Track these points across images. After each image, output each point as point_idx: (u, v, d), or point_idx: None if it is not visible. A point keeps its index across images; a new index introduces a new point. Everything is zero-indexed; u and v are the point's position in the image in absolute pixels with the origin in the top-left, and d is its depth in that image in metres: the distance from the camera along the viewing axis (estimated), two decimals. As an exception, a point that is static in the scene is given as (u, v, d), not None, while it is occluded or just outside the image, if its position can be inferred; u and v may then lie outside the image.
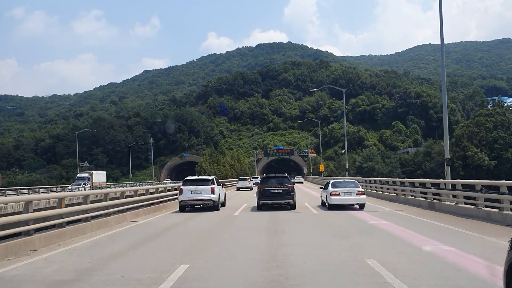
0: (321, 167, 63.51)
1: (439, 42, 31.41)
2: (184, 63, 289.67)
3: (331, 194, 19.00)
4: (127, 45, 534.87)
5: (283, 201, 19.52)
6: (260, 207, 19.93)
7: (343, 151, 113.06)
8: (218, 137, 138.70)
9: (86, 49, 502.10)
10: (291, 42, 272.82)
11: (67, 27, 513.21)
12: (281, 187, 19.49)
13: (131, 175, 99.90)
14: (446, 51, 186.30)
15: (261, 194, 19.68)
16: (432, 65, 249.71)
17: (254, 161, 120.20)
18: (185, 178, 20.93)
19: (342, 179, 24.79)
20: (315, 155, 67.15)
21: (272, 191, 19.44)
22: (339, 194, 18.93)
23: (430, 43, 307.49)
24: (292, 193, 19.42)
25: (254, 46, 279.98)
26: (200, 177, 21.79)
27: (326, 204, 19.87)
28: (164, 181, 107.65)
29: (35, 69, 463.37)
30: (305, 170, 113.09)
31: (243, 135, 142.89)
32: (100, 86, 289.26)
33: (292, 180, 22.00)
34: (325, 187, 20.76)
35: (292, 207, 19.54)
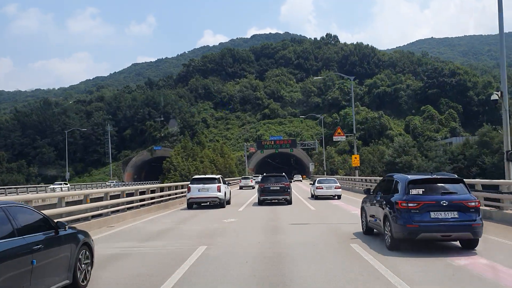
0: (355, 161, 34.84)
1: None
2: (175, 55, 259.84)
3: (316, 188, 25.73)
4: (122, 44, 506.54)
5: (280, 197, 21.99)
6: (261, 202, 22.21)
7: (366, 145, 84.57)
8: (200, 126, 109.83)
9: (82, 48, 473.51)
10: (288, 32, 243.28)
11: (62, 25, 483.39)
12: (279, 184, 21.89)
13: (67, 174, 70.91)
14: (450, 44, 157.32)
15: (262, 191, 22.13)
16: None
17: (244, 156, 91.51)
18: (193, 177, 22.61)
19: (325, 177, 33.02)
20: (343, 137, 38.51)
21: (271, 188, 21.91)
22: (322, 188, 25.51)
23: (432, 37, 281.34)
24: (288, 190, 21.92)
25: (249, 37, 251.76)
26: (207, 176, 22.80)
27: (313, 195, 26.44)
28: (125, 183, 79.70)
29: (30, 67, 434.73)
30: (311, 168, 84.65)
31: (231, 124, 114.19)
32: (87, 80, 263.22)
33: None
34: (313, 183, 27.45)
35: (289, 202, 21.84)
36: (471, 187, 11.26)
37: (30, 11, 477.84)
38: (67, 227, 6.12)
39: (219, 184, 20.84)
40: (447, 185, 8.65)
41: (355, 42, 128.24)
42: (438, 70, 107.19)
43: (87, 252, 6.48)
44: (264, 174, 26.85)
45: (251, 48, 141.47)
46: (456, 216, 8.13)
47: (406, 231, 8.16)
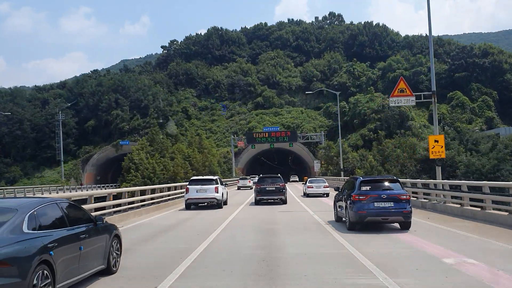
0: (437, 148, 16.59)
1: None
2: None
3: (307, 187, 29.51)
4: (115, 43, 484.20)
5: (276, 197, 23.18)
6: (257, 202, 23.28)
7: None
8: (179, 117, 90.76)
9: (76, 47, 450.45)
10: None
11: (56, 24, 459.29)
12: (274, 185, 22.99)
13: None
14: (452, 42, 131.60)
15: (258, 192, 23.18)
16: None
17: (231, 152, 72.75)
18: (191, 178, 23.07)
19: (315, 178, 36.66)
20: (411, 99, 19.78)
21: (267, 188, 22.96)
22: (312, 187, 29.14)
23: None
24: (283, 190, 23.05)
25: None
26: (205, 177, 23.70)
27: (305, 194, 30.09)
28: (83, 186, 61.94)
29: (24, 67, 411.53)
30: (316, 167, 66.14)
31: (217, 115, 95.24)
32: (74, 76, 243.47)
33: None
34: (305, 183, 31.48)
35: (284, 202, 23.07)
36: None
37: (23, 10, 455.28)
38: (104, 220, 7.54)
39: (216, 185, 21.45)
40: (387, 184, 12.60)
41: (363, 22, 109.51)
42: (466, 50, 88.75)
43: (117, 243, 7.72)
44: (261, 175, 27.03)
45: (243, 30, 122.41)
46: (392, 205, 11.91)
47: (358, 216, 11.95)
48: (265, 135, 68.59)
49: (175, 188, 26.60)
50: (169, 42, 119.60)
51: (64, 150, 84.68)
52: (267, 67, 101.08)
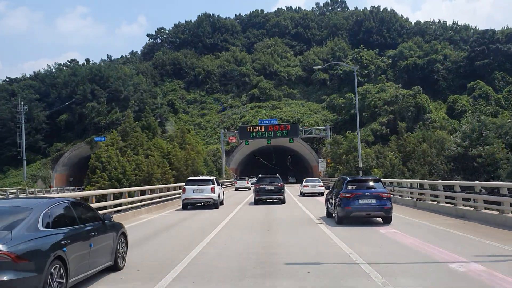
0: None
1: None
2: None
3: (303, 187, 31.40)
4: (113, 43, 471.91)
5: (275, 197, 23.69)
6: (256, 202, 23.80)
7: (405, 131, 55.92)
8: (164, 111, 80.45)
9: (72, 48, 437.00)
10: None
11: (52, 24, 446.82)
12: (273, 185, 23.53)
13: None
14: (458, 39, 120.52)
15: (257, 191, 23.69)
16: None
17: (221, 149, 62.66)
18: (188, 179, 23.43)
19: (310, 178, 37.26)
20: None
21: (266, 188, 23.53)
22: (308, 187, 31.17)
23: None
24: (282, 190, 23.59)
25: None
26: (201, 177, 24.10)
27: (301, 193, 31.64)
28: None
29: (19, 68, 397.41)
30: (321, 167, 56.27)
31: (208, 109, 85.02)
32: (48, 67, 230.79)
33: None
34: (302, 183, 32.91)
35: (282, 201, 23.56)
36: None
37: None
38: (112, 219, 7.79)
39: (213, 185, 21.78)
40: (370, 183, 14.25)
41: (369, 7, 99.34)
42: (487, 35, 78.76)
43: (123, 240, 7.98)
44: (260, 175, 26.77)
45: (237, 17, 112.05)
46: (374, 202, 13.48)
47: (344, 211, 13.52)
48: (260, 129, 58.48)
49: (154, 191, 24.00)
50: (156, 30, 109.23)
51: (33, 148, 74.30)
52: (264, 56, 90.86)
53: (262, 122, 59.90)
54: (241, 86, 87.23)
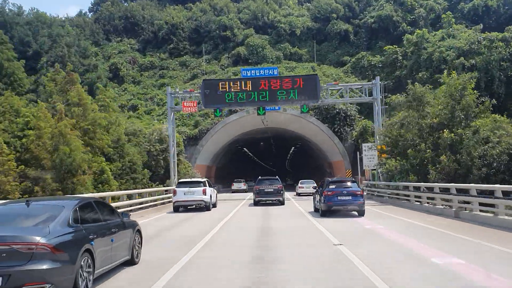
0: None
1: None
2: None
3: (299, 188, 34.56)
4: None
5: (274, 198, 24.06)
6: (256, 203, 24.10)
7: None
8: (98, 76, 51.90)
9: None
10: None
11: None
12: (272, 187, 23.85)
13: None
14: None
15: (257, 193, 24.04)
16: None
17: (168, 130, 34.32)
18: (179, 181, 23.69)
19: (305, 180, 36.51)
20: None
21: (266, 190, 23.85)
22: (303, 188, 33.69)
23: None
24: (281, 192, 23.92)
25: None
26: (193, 179, 23.90)
27: (297, 193, 34.60)
28: None
29: None
30: (370, 160, 27.72)
31: (171, 77, 56.54)
32: None
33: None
34: (297, 184, 36.39)
35: (281, 203, 23.92)
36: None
37: None
38: (129, 216, 8.50)
39: (204, 188, 21.31)
40: (348, 183, 17.70)
41: None
42: None
43: (139, 237, 8.60)
44: (259, 177, 25.75)
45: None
46: (350, 198, 16.77)
47: (326, 206, 16.90)
48: (245, 86, 30.27)
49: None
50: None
51: None
52: (252, 4, 62.67)
53: (249, 75, 31.53)
54: (221, 44, 58.90)
